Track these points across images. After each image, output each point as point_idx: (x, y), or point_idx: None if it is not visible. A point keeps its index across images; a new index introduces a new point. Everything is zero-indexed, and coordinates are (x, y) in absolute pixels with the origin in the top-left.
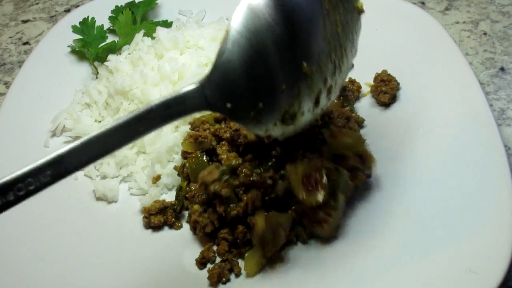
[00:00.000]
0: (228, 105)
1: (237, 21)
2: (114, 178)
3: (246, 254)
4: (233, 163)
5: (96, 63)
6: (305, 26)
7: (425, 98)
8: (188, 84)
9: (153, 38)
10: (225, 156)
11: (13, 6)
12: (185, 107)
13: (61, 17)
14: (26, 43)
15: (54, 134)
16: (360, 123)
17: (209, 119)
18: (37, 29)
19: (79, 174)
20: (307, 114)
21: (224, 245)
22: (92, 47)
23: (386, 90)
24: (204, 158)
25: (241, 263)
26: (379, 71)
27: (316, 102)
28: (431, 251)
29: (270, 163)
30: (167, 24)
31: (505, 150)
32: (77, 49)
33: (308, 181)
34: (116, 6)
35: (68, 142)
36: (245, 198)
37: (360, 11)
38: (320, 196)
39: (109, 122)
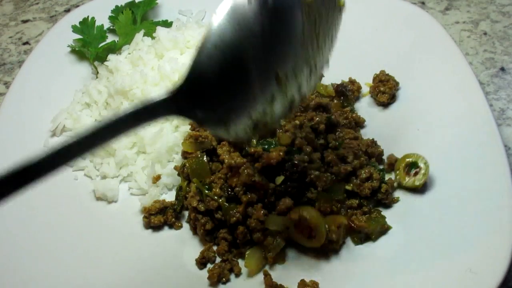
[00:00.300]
0: (199, 113)
1: (214, 30)
2: (114, 178)
3: (247, 252)
4: (237, 161)
5: (96, 63)
6: (284, 32)
7: (425, 98)
8: (161, 94)
9: (153, 38)
10: (226, 156)
11: (13, 6)
12: (154, 115)
13: (61, 17)
14: (26, 43)
15: (54, 134)
16: (360, 123)
17: None
18: (37, 29)
19: (79, 174)
20: (279, 119)
21: (224, 245)
22: (92, 47)
23: (385, 90)
24: (204, 158)
25: (241, 263)
26: (379, 71)
27: (290, 108)
28: (431, 251)
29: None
30: (167, 24)
31: (505, 150)
32: (77, 49)
33: (307, 231)
34: (116, 6)
35: None
36: (244, 199)
37: (342, 8)
38: (318, 242)
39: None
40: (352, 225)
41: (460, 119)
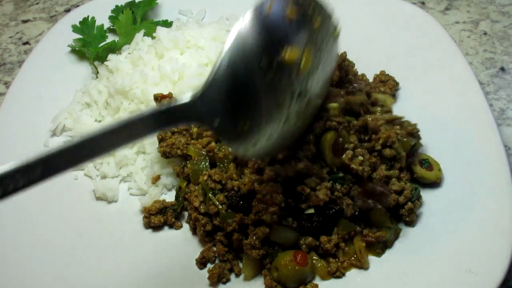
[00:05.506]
0: (216, 121)
1: (228, 47)
2: (114, 178)
3: (244, 257)
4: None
5: (96, 63)
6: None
7: (425, 98)
8: (180, 98)
9: (153, 37)
10: (226, 158)
11: (13, 6)
12: (176, 118)
13: (61, 17)
14: (26, 43)
15: (54, 134)
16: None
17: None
18: (37, 29)
19: (79, 173)
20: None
21: (220, 247)
22: (92, 47)
23: (385, 90)
24: (205, 159)
25: (241, 263)
26: (379, 71)
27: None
28: (431, 251)
29: None
30: (167, 24)
31: (505, 150)
32: (77, 48)
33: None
34: (116, 6)
35: None
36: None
37: (337, 38)
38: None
39: (99, 126)
40: (369, 239)
41: (460, 119)
